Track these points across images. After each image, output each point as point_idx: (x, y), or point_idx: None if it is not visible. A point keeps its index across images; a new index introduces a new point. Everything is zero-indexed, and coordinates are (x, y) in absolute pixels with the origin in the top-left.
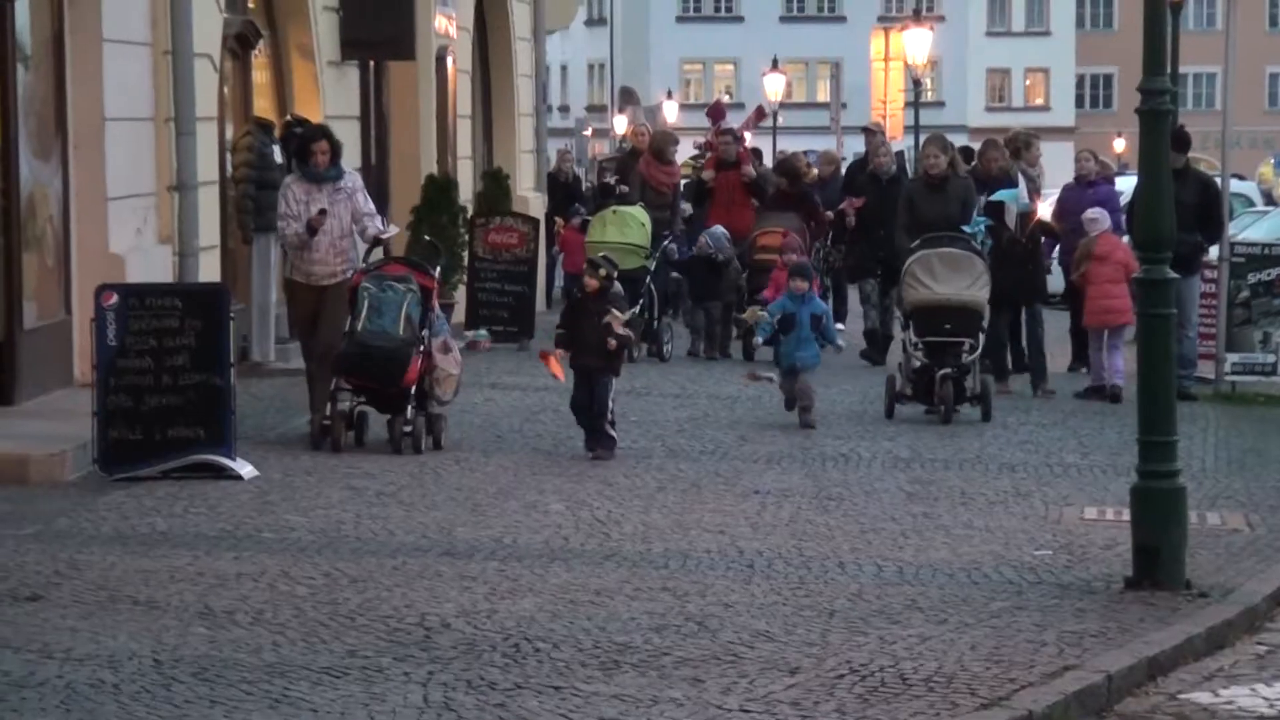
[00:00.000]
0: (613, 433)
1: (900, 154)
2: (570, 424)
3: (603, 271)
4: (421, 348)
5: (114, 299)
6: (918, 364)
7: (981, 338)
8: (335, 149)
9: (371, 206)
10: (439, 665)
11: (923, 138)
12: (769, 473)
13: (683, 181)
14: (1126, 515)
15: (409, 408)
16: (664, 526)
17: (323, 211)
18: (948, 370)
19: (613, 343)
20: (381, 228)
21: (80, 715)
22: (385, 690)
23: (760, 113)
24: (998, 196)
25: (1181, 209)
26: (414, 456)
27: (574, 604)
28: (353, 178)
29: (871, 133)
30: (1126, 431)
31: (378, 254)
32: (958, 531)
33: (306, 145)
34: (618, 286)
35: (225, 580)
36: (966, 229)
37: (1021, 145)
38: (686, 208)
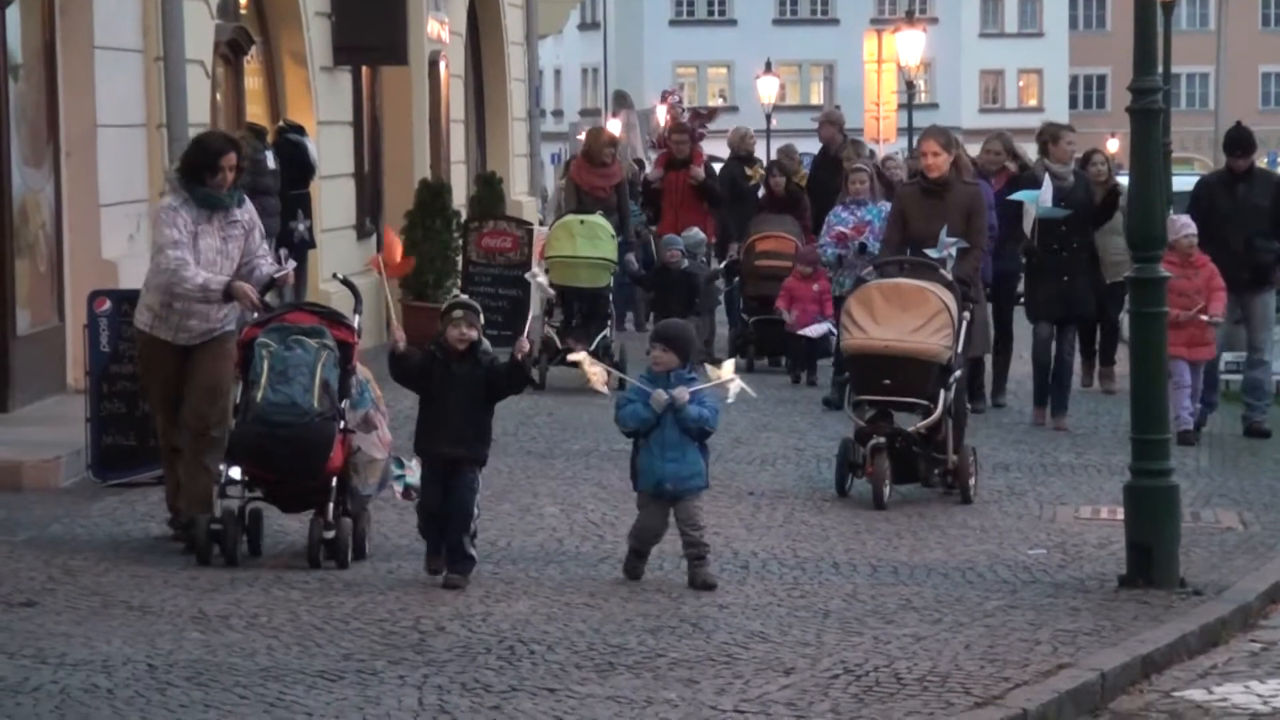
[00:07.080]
0: (472, 551)
1: (894, 154)
2: (565, 427)
3: (459, 315)
4: (342, 424)
5: (107, 305)
6: (857, 428)
7: (944, 395)
8: (242, 166)
9: (266, 246)
10: (434, 668)
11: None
12: (763, 474)
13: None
14: (1120, 514)
15: (329, 505)
16: None
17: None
18: (881, 440)
19: (522, 351)
20: (278, 265)
21: None
22: (380, 693)
23: (696, 114)
24: (1016, 196)
25: (1255, 213)
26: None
27: (569, 606)
28: (249, 208)
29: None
30: (1120, 430)
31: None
32: (952, 531)
33: (210, 159)
34: (486, 344)
35: (219, 585)
36: (931, 254)
37: (1049, 139)
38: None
